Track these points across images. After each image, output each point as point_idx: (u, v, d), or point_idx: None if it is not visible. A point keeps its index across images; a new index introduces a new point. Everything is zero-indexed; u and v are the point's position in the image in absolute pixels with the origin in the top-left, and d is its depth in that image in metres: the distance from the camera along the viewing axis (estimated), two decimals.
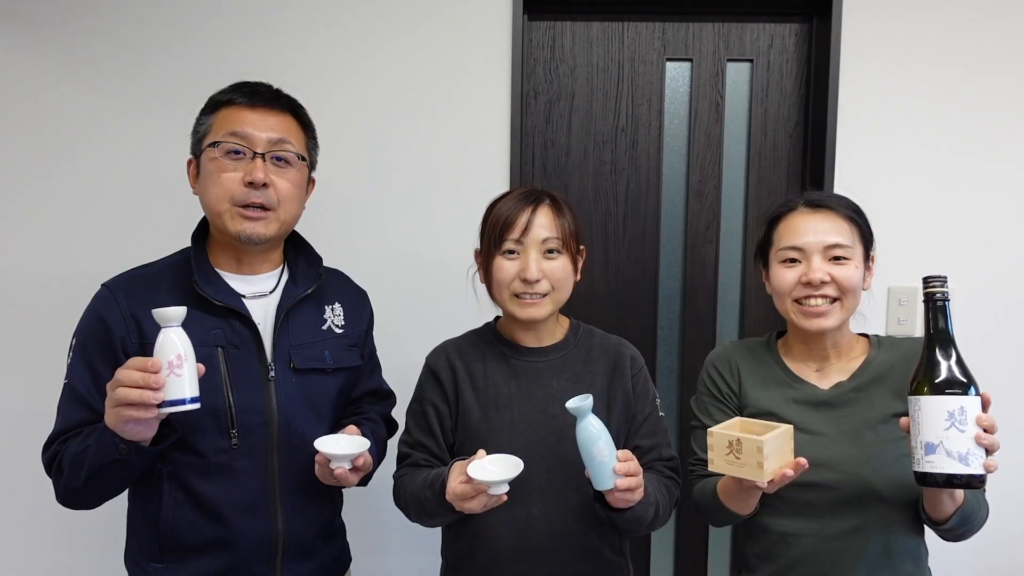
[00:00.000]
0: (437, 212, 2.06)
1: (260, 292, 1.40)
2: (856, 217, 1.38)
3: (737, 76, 2.17)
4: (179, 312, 1.15)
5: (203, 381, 1.17)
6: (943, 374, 1.16)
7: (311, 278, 1.44)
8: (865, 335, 1.48)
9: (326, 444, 1.28)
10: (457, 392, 1.43)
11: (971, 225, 2.05)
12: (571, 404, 1.22)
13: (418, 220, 2.06)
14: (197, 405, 1.15)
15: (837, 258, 1.34)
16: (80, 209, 2.04)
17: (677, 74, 2.17)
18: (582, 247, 1.45)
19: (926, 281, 1.19)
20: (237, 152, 1.32)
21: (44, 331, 2.04)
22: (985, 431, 1.13)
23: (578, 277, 1.43)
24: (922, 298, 1.21)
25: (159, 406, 1.11)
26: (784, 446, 1.22)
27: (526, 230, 1.36)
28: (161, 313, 1.15)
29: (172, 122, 2.02)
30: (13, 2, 2.01)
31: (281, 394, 1.35)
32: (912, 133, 2.04)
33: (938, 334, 1.18)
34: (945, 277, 1.19)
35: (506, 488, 1.22)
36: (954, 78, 2.03)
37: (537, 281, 1.36)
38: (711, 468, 1.23)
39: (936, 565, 1.44)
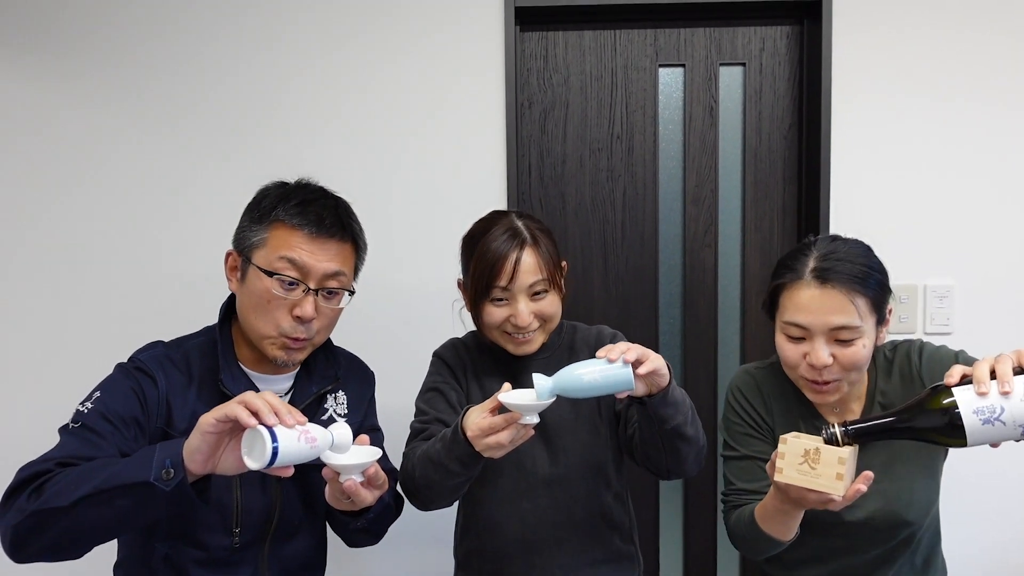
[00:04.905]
0: (435, 226, 2.06)
1: (277, 392, 1.35)
2: (865, 288, 1.27)
3: (730, 80, 2.17)
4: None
5: (216, 478, 1.11)
6: None
7: (326, 379, 1.41)
8: None
9: (333, 456, 1.17)
10: (467, 388, 1.45)
11: (967, 222, 2.05)
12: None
13: (416, 235, 2.07)
14: (264, 468, 1.04)
15: (843, 339, 1.27)
16: (82, 236, 2.06)
17: (670, 80, 2.18)
18: (563, 264, 1.44)
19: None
20: (292, 284, 1.28)
21: (42, 341, 2.05)
22: None
23: (563, 293, 1.42)
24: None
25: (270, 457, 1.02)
26: (853, 462, 1.14)
27: (512, 278, 1.33)
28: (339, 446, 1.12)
29: (173, 141, 2.05)
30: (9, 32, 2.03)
31: (284, 493, 1.34)
32: (905, 131, 2.05)
33: None
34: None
35: (537, 419, 1.15)
36: (945, 76, 2.04)
37: (528, 324, 1.36)
38: (778, 478, 1.13)
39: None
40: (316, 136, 2.06)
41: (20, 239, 2.06)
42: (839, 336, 1.26)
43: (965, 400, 1.05)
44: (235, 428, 1.06)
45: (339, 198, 1.39)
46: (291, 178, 1.39)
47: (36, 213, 2.05)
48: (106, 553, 1.27)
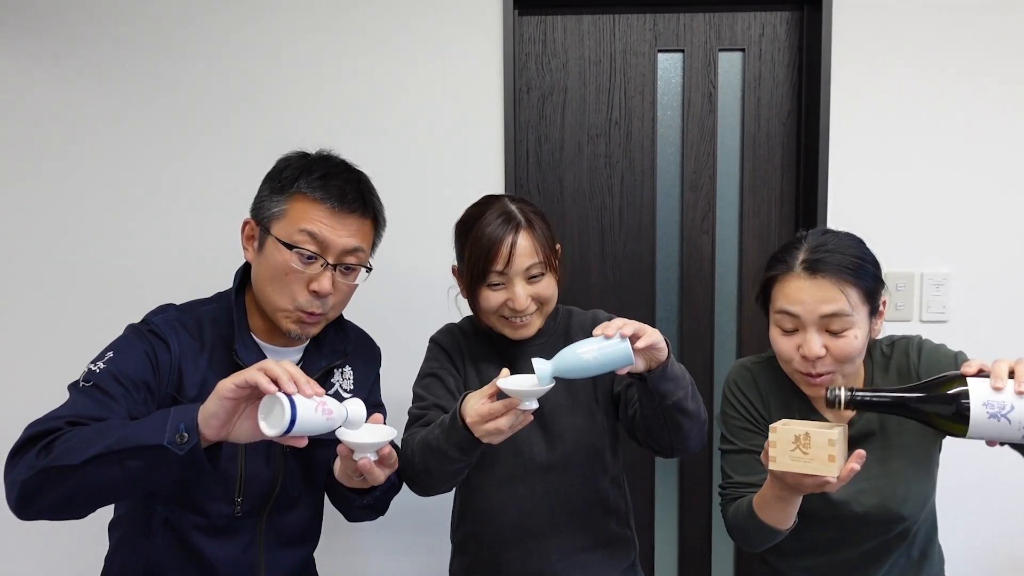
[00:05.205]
0: (432, 212, 2.04)
1: None
2: (855, 278, 1.27)
3: (729, 66, 2.16)
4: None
5: (224, 447, 1.11)
6: None
7: (336, 353, 1.42)
8: None
9: (351, 434, 1.16)
10: (465, 374, 1.45)
11: (965, 210, 2.05)
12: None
13: (412, 221, 2.06)
14: (278, 436, 1.05)
15: (835, 329, 1.27)
16: (72, 212, 2.05)
17: (669, 65, 2.17)
18: (558, 247, 1.43)
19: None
20: (310, 258, 1.27)
21: (42, 316, 2.06)
22: None
23: (559, 276, 1.42)
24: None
25: (289, 426, 1.02)
26: (843, 444, 1.17)
27: (508, 262, 1.33)
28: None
29: (165, 122, 2.04)
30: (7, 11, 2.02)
31: (287, 465, 1.35)
32: (905, 119, 2.04)
33: None
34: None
35: (536, 405, 1.16)
36: (946, 63, 2.03)
37: (526, 307, 1.36)
38: (772, 466, 1.15)
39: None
40: (311, 120, 2.05)
41: (9, 220, 2.06)
42: (830, 326, 1.27)
43: (978, 390, 1.08)
44: (252, 395, 1.06)
45: (360, 172, 1.38)
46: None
47: (25, 194, 2.05)
48: (103, 512, 1.25)
